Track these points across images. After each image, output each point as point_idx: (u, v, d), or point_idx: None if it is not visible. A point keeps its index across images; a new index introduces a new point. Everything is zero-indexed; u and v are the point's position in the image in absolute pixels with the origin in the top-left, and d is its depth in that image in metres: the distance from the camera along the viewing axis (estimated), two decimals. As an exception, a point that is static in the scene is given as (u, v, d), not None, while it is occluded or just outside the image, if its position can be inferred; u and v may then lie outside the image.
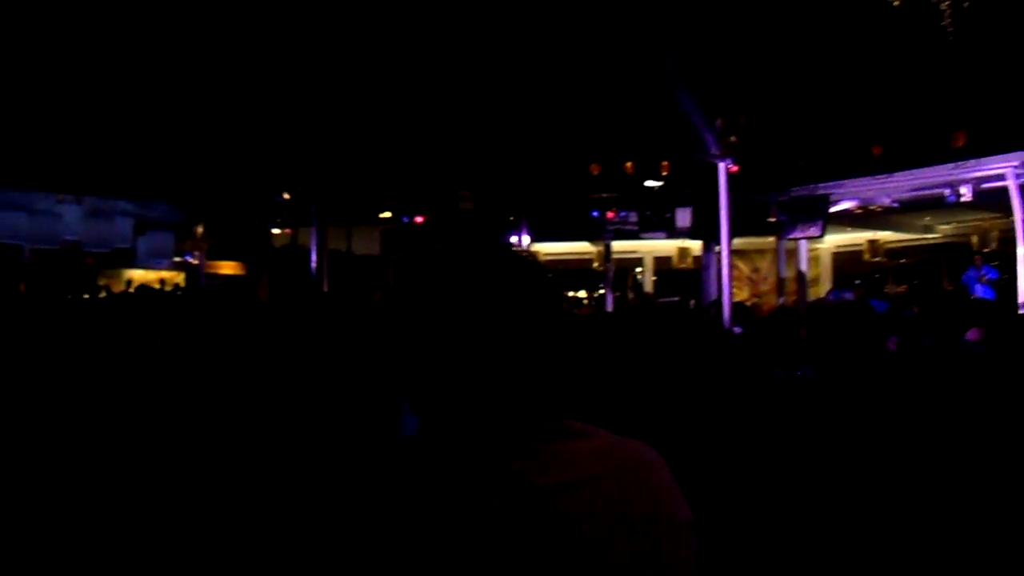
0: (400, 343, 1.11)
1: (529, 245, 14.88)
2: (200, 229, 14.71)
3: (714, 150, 9.98)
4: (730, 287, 9.84)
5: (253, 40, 12.80)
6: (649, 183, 14.03)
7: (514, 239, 14.81)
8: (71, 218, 13.79)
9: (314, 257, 14.67)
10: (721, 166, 9.92)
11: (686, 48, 10.01)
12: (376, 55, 13.09)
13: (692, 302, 14.15)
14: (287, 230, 16.14)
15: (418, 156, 14.55)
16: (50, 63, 12.74)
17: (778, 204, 12.79)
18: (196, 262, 14.84)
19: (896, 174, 11.23)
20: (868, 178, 11.69)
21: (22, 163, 13.28)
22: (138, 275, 15.98)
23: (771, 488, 3.16)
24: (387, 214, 15.56)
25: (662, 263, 16.52)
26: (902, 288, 13.61)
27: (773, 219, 13.02)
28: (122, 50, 12.86)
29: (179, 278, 15.79)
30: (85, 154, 13.53)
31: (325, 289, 14.57)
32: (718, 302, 11.27)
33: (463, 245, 1.12)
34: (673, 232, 14.23)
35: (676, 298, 14.66)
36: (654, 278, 16.61)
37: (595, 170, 14.02)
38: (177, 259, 15.34)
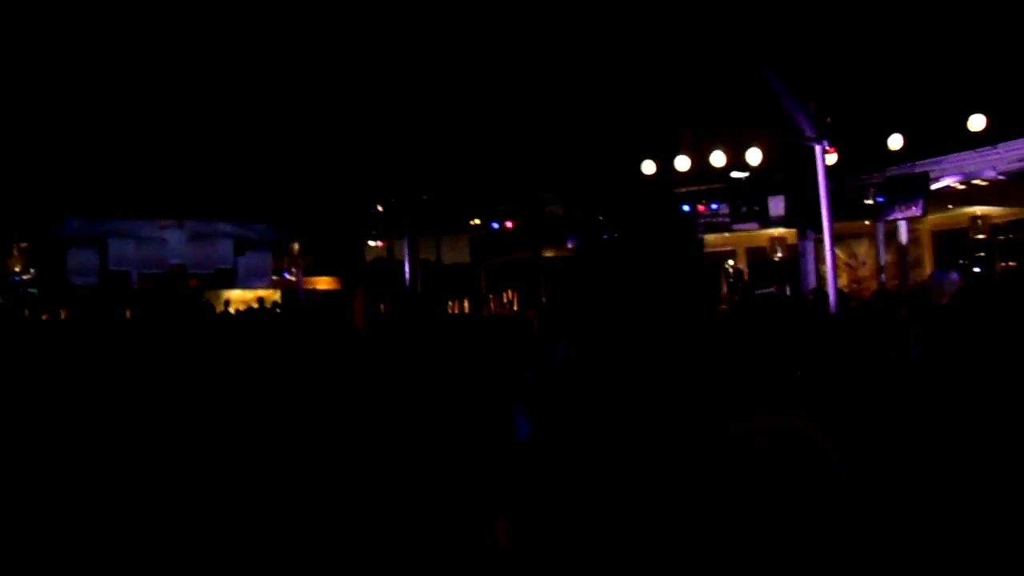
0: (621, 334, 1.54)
1: None
2: (296, 246, 15.56)
3: (809, 132, 10.19)
4: (835, 273, 9.97)
5: (340, 59, 13.61)
6: (736, 174, 14.18)
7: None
8: (175, 242, 14.65)
9: (407, 268, 15.40)
10: (818, 149, 10.28)
11: (769, 28, 10.25)
12: (458, 63, 13.40)
13: (788, 291, 14.48)
14: (381, 243, 16.83)
15: (505, 161, 15.01)
16: (151, 97, 13.43)
17: (875, 185, 12.96)
18: (294, 279, 15.66)
19: (1000, 145, 11.25)
20: (970, 151, 11.69)
21: (127, 192, 14.25)
22: (236, 295, 17.02)
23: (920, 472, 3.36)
24: (476, 221, 16.16)
25: (754, 254, 16.70)
26: (1011, 264, 13.75)
27: (870, 201, 13.14)
28: (214, 79, 13.79)
29: (276, 296, 16.78)
30: (185, 179, 14.39)
31: (418, 299, 15.28)
32: (819, 290, 11.67)
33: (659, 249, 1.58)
34: (766, 221, 14.53)
35: (772, 288, 14.96)
36: (746, 269, 16.88)
37: (682, 164, 14.32)
38: (275, 277, 16.11)
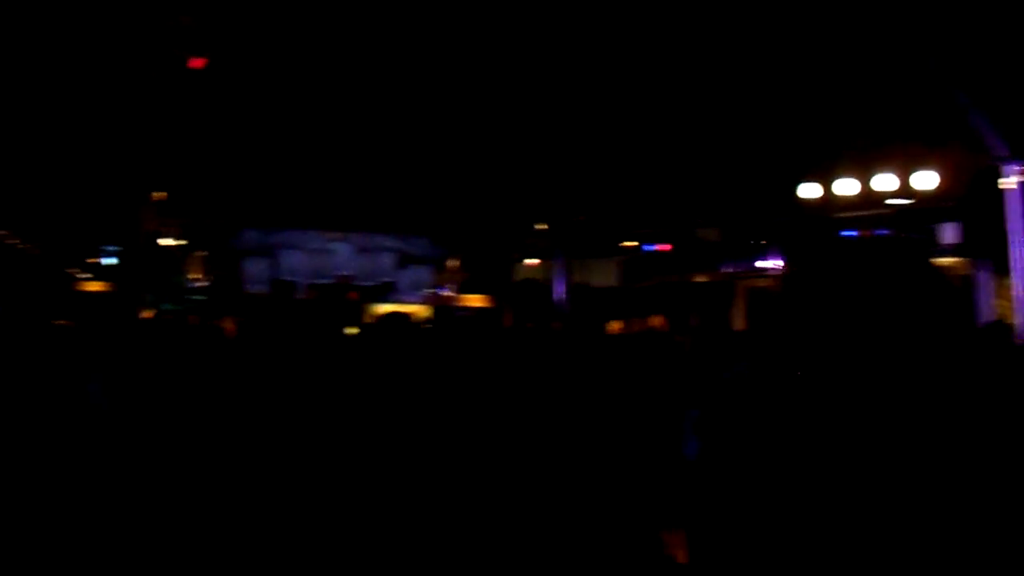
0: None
1: (779, 270, 15.22)
2: (455, 263, 16.55)
3: (1001, 151, 10.15)
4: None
5: (505, 84, 14.26)
6: (896, 201, 14.03)
7: (761, 264, 15.55)
8: (342, 254, 15.84)
9: (559, 289, 16.17)
10: (1010, 169, 10.41)
11: (950, 42, 10.14)
12: (616, 88, 14.24)
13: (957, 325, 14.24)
14: (533, 262, 17.64)
15: (659, 184, 15.57)
16: (328, 118, 14.65)
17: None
18: (450, 295, 16.67)
19: None
20: None
21: (298, 206, 15.58)
22: (386, 309, 18.03)
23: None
24: (630, 243, 16.75)
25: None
26: None
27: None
28: (385, 105, 14.67)
29: (426, 312, 17.62)
30: (351, 195, 15.54)
31: (567, 321, 15.90)
32: (1000, 324, 11.47)
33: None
34: (934, 250, 13.96)
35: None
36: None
37: (846, 187, 14.19)
38: (428, 291, 17.07)
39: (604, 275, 17.77)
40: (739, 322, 15.97)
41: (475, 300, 17.58)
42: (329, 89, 14.53)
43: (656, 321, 15.34)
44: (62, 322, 7.91)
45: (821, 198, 14.62)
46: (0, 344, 5.63)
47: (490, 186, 15.60)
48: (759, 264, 15.70)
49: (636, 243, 16.98)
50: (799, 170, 14.69)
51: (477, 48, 13.75)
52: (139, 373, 5.90)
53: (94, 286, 15.84)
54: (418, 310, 17.03)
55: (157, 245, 15.34)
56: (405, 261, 16.21)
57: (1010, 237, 10.16)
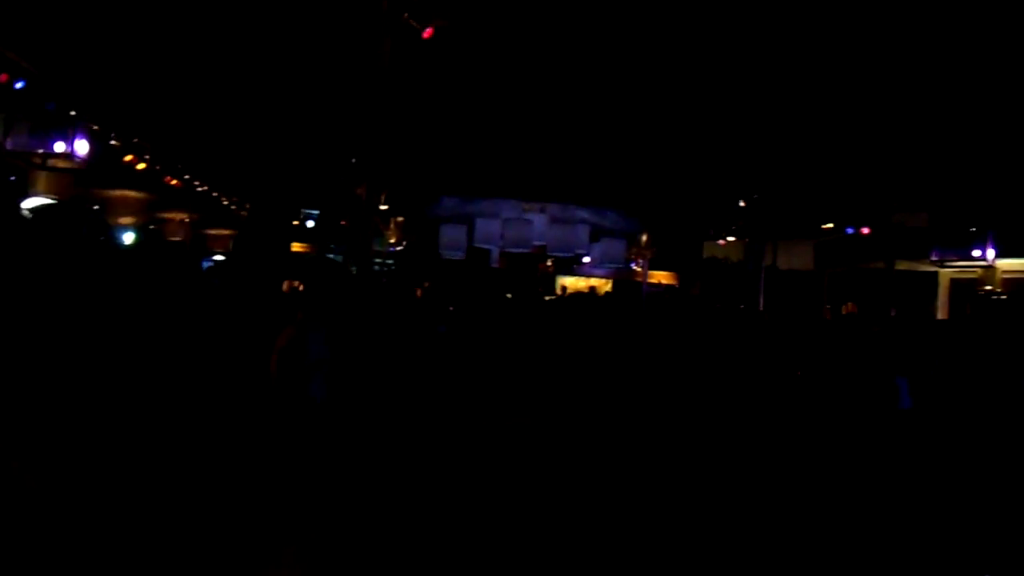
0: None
1: (993, 261, 15.68)
2: (645, 237, 17.28)
3: None
4: None
5: (700, 57, 15.20)
6: None
7: (976, 252, 15.72)
8: (538, 224, 16.96)
9: (751, 270, 16.94)
10: None
11: None
12: (811, 59, 14.79)
13: None
14: (722, 241, 18.38)
15: (862, 163, 15.98)
16: (521, 93, 15.85)
17: None
18: (639, 269, 17.60)
19: None
20: None
21: (496, 175, 16.65)
22: (569, 282, 19.43)
23: None
24: (829, 225, 17.10)
25: None
26: None
27: None
28: (571, 78, 15.88)
29: (607, 286, 18.93)
30: (548, 165, 16.66)
31: (760, 306, 16.18)
32: None
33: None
34: None
35: None
36: None
37: None
38: (619, 265, 17.75)
39: (798, 258, 18.30)
40: (942, 314, 16.27)
41: (663, 276, 18.48)
42: (530, 60, 15.65)
43: (849, 308, 16.46)
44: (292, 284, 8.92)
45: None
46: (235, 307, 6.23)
47: (685, 160, 16.50)
48: (973, 253, 15.92)
49: (834, 225, 17.29)
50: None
51: (680, 17, 14.60)
52: (350, 328, 6.68)
53: (297, 247, 17.71)
54: (606, 283, 18.53)
55: (358, 209, 16.81)
56: (598, 234, 16.88)
57: None
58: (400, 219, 17.63)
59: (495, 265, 17.04)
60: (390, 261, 18.25)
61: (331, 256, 17.28)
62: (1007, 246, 15.60)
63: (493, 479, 5.60)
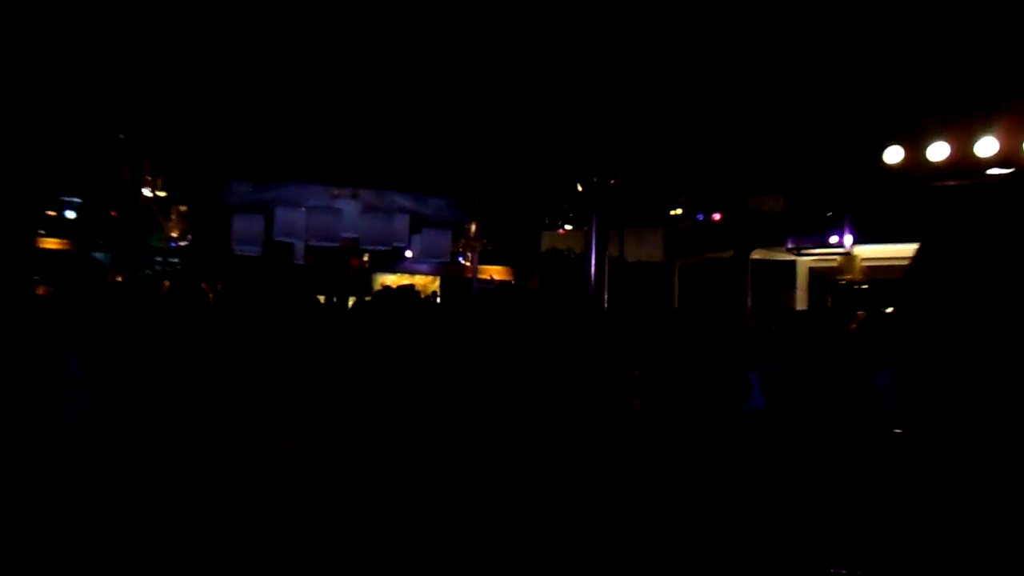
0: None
1: (851, 247, 16.17)
2: (474, 227, 17.04)
3: None
4: None
5: (540, 26, 14.73)
6: (999, 170, 13.97)
7: (833, 240, 16.10)
8: (349, 214, 15.78)
9: (591, 262, 16.95)
10: None
11: None
12: (665, 28, 14.74)
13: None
14: (561, 231, 18.25)
15: (713, 143, 16.03)
16: (328, 57, 15.16)
17: None
18: (468, 264, 17.35)
19: None
20: None
21: (298, 155, 15.73)
22: (391, 280, 18.94)
23: None
24: (678, 211, 17.33)
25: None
26: None
27: None
28: (394, 42, 15.10)
29: (434, 285, 18.63)
30: (360, 145, 15.81)
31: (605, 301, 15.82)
32: None
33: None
34: None
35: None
36: None
37: (937, 152, 14.54)
38: (444, 260, 17.21)
39: (647, 248, 18.53)
40: (801, 306, 16.77)
41: (497, 271, 18.41)
42: (338, 19, 14.97)
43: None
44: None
45: (905, 163, 15.13)
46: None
47: (518, 140, 16.12)
48: (830, 240, 16.39)
49: (683, 211, 17.62)
50: (883, 130, 15.08)
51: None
52: (115, 345, 6.39)
53: (52, 243, 16.47)
54: (430, 281, 18.20)
55: (130, 197, 15.79)
56: (420, 224, 16.48)
57: None
58: (183, 208, 16.43)
59: (300, 262, 16.42)
60: (174, 260, 17.10)
61: (97, 255, 15.99)
62: (865, 232, 16.08)
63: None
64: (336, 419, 7.48)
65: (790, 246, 16.81)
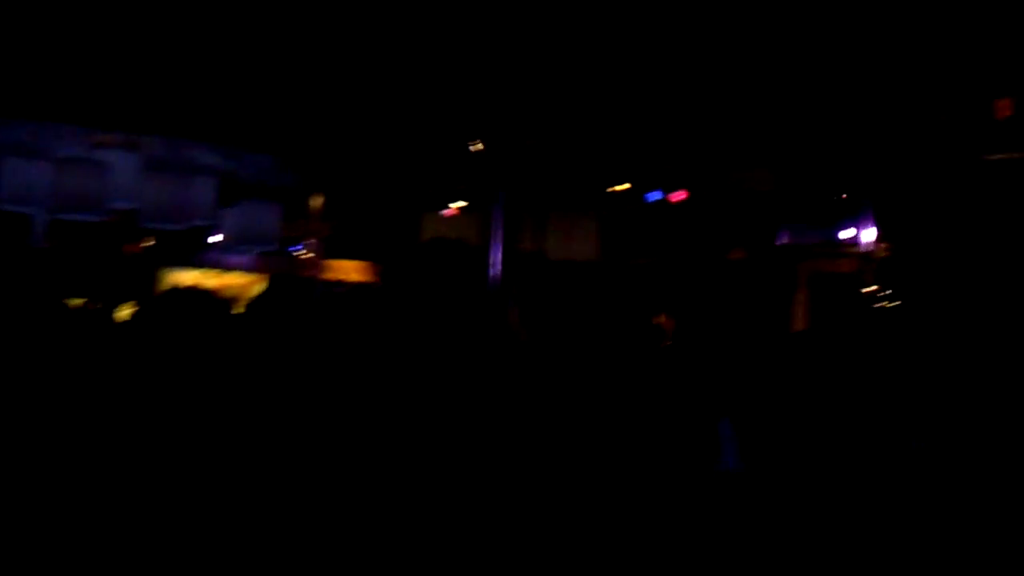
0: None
1: (872, 245, 14.48)
2: (319, 202, 14.65)
3: None
4: None
5: None
6: None
7: (846, 233, 14.47)
8: (122, 173, 13.17)
9: (496, 260, 14.21)
10: None
11: None
12: None
13: None
14: (448, 210, 16.26)
15: (669, 84, 14.03)
16: None
17: None
18: (309, 255, 15.00)
19: None
20: None
21: (40, 81, 13.22)
22: (191, 278, 16.03)
23: None
24: (624, 186, 15.25)
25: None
26: None
27: None
28: None
29: (256, 287, 15.50)
30: (142, 71, 13.25)
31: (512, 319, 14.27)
32: None
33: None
34: None
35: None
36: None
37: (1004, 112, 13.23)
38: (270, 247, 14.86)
39: (577, 242, 16.69)
40: (799, 323, 15.69)
41: (353, 269, 16.16)
42: None
43: (660, 320, 14.42)
44: None
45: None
46: None
47: (385, 71, 13.93)
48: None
49: (630, 187, 15.59)
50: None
51: None
52: None
53: None
54: (251, 281, 15.58)
55: None
56: (233, 193, 13.88)
57: None
58: None
59: (40, 244, 13.74)
60: None
61: None
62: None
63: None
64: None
65: (785, 241, 15.37)
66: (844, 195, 14.44)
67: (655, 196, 15.14)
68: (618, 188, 15.27)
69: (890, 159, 13.94)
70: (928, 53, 13.17)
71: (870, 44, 13.20)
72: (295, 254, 15.73)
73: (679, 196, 15.04)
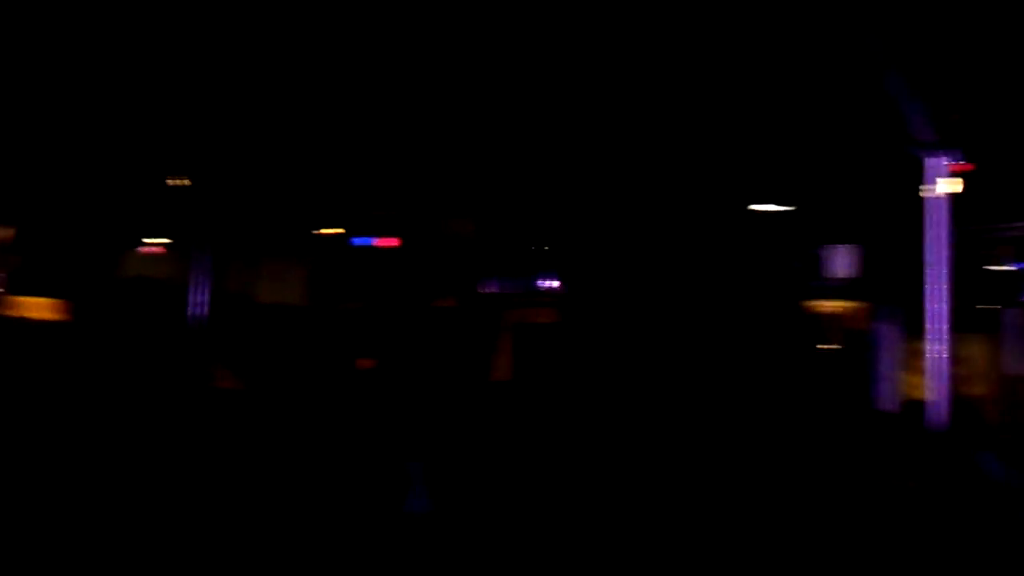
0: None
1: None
2: (6, 235, 13.96)
3: (926, 135, 10.61)
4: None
5: None
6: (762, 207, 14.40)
7: (546, 284, 14.63)
8: None
9: (198, 301, 14.03)
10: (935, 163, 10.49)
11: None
12: None
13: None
14: (149, 248, 15.55)
15: (385, 130, 13.98)
16: None
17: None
18: None
19: None
20: None
21: None
22: None
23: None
24: (335, 230, 15.12)
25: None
26: None
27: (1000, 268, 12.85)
28: None
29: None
30: None
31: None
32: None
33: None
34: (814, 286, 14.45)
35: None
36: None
37: None
38: None
39: (288, 285, 16.09)
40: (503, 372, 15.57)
41: (38, 307, 15.07)
42: None
43: (365, 364, 14.80)
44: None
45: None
46: None
47: (86, 101, 13.32)
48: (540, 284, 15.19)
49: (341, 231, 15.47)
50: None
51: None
52: None
53: None
54: None
55: None
56: None
57: (928, 272, 10.62)
58: None
59: None
60: None
61: None
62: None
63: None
64: None
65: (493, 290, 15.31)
66: (542, 246, 14.59)
67: (364, 241, 14.99)
68: (328, 232, 15.13)
69: (575, 214, 14.14)
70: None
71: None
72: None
73: (388, 242, 14.90)
